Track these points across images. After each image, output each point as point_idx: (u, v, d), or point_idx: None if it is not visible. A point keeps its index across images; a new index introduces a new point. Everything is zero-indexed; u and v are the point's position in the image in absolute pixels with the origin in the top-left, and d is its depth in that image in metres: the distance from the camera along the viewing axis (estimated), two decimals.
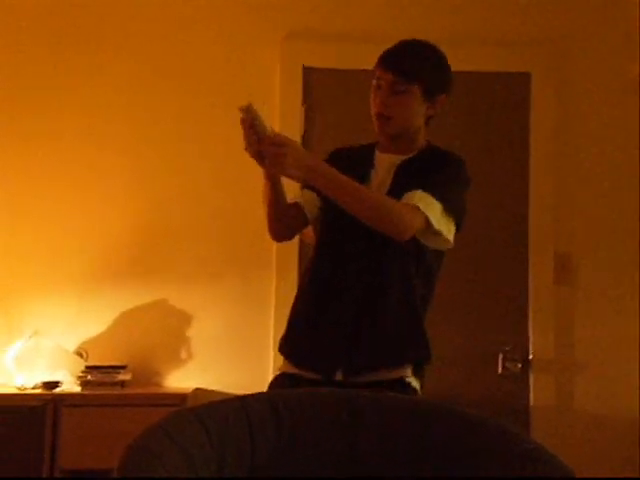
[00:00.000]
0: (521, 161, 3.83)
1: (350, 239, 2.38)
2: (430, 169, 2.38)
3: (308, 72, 3.80)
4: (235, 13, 3.86)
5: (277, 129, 3.78)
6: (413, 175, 2.36)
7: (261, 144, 2.20)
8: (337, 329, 2.33)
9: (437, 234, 2.34)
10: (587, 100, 3.87)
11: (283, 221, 2.48)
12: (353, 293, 2.34)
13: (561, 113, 3.84)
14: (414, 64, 2.36)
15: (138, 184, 3.80)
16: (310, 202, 2.49)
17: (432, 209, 2.29)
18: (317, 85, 3.83)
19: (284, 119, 3.79)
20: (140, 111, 3.82)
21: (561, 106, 3.85)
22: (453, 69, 3.79)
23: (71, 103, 3.81)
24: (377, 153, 2.49)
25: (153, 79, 3.84)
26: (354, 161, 2.47)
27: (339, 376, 2.30)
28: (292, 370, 2.40)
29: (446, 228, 2.36)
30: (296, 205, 2.51)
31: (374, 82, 2.40)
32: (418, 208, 2.26)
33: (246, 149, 2.25)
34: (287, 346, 2.45)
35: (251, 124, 2.19)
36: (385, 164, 2.44)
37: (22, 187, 3.77)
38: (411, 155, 2.45)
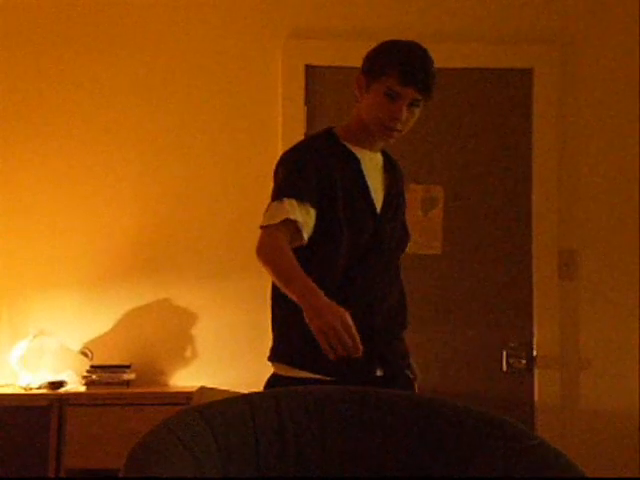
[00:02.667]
0: (524, 157, 3.83)
1: (380, 254, 2.41)
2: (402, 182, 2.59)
3: (310, 71, 3.80)
4: (237, 12, 3.86)
5: (279, 129, 3.82)
6: (394, 177, 2.53)
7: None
8: (378, 332, 2.36)
9: None
10: (589, 96, 3.87)
11: None
12: (388, 300, 2.42)
13: (564, 109, 3.84)
14: (431, 80, 2.34)
15: (142, 184, 3.80)
16: (310, 222, 2.27)
17: None
18: (319, 84, 3.83)
19: (286, 118, 3.79)
20: (145, 110, 3.82)
21: (564, 102, 3.84)
22: (456, 66, 3.84)
23: (76, 102, 3.82)
24: (353, 147, 2.43)
25: (157, 79, 3.84)
26: (334, 159, 2.39)
27: (380, 372, 2.36)
28: (309, 375, 2.30)
29: None
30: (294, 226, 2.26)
31: (383, 89, 2.32)
32: None
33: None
34: (315, 357, 2.25)
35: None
36: (367, 160, 2.44)
37: (27, 187, 3.78)
38: (379, 153, 2.50)
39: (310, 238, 2.27)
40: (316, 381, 2.27)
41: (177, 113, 3.83)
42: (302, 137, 3.74)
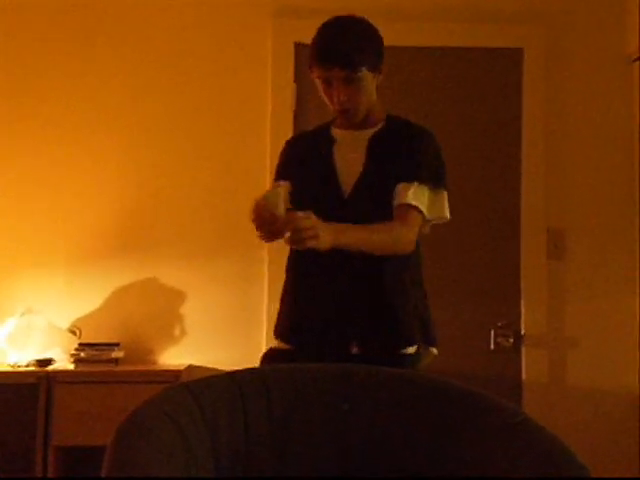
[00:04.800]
0: (513, 137, 3.83)
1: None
2: (409, 149, 2.41)
3: (299, 49, 3.78)
4: None
5: (269, 107, 3.81)
6: (389, 151, 2.41)
7: (279, 225, 2.13)
8: (351, 303, 2.36)
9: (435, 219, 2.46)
10: (579, 76, 3.86)
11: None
12: (362, 270, 2.37)
13: (553, 89, 3.84)
14: (356, 51, 2.32)
15: (130, 162, 3.79)
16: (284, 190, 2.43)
17: (423, 200, 2.36)
18: (309, 62, 3.81)
19: (276, 96, 3.77)
20: (131, 92, 3.80)
21: (553, 82, 3.84)
22: (447, 45, 3.82)
23: (62, 86, 3.79)
24: (334, 130, 2.50)
25: (143, 60, 3.81)
26: (313, 142, 2.53)
27: (355, 350, 2.33)
28: (291, 347, 2.42)
29: (442, 207, 2.44)
30: None
31: (318, 80, 2.38)
32: (412, 207, 2.33)
33: (260, 235, 2.19)
34: (291, 328, 2.45)
35: (271, 213, 2.11)
36: (349, 140, 2.44)
37: (13, 167, 3.75)
38: (377, 128, 2.45)
39: None
40: (289, 352, 2.38)
41: (165, 92, 3.80)
42: (291, 115, 3.75)
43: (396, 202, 2.35)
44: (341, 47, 2.32)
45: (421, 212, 2.36)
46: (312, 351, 2.32)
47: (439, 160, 2.46)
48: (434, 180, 2.40)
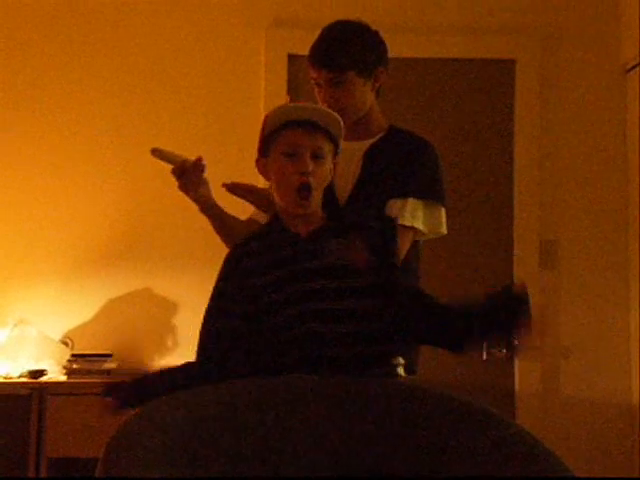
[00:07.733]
0: (506, 148, 3.85)
1: None
2: (405, 161, 2.37)
3: (293, 60, 3.79)
4: (220, 1, 3.85)
5: (262, 118, 3.80)
6: (384, 163, 2.38)
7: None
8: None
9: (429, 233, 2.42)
10: (572, 86, 3.88)
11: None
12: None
13: (545, 100, 3.86)
14: (343, 54, 2.33)
15: (123, 172, 3.79)
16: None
17: (418, 215, 2.34)
18: (302, 73, 3.82)
19: (269, 108, 3.76)
20: (125, 100, 3.81)
21: (545, 93, 3.86)
22: (440, 56, 3.84)
23: (55, 92, 3.80)
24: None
25: (139, 68, 3.82)
26: None
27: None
28: None
29: (438, 222, 2.41)
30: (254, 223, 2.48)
31: (312, 81, 2.40)
32: (405, 227, 2.29)
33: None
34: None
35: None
36: (346, 151, 2.35)
37: (5, 175, 3.75)
38: (375, 139, 2.43)
39: None
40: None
41: (159, 102, 3.81)
42: None
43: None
44: (329, 49, 2.34)
45: (414, 229, 2.34)
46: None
47: (437, 174, 2.42)
48: (429, 194, 2.37)
